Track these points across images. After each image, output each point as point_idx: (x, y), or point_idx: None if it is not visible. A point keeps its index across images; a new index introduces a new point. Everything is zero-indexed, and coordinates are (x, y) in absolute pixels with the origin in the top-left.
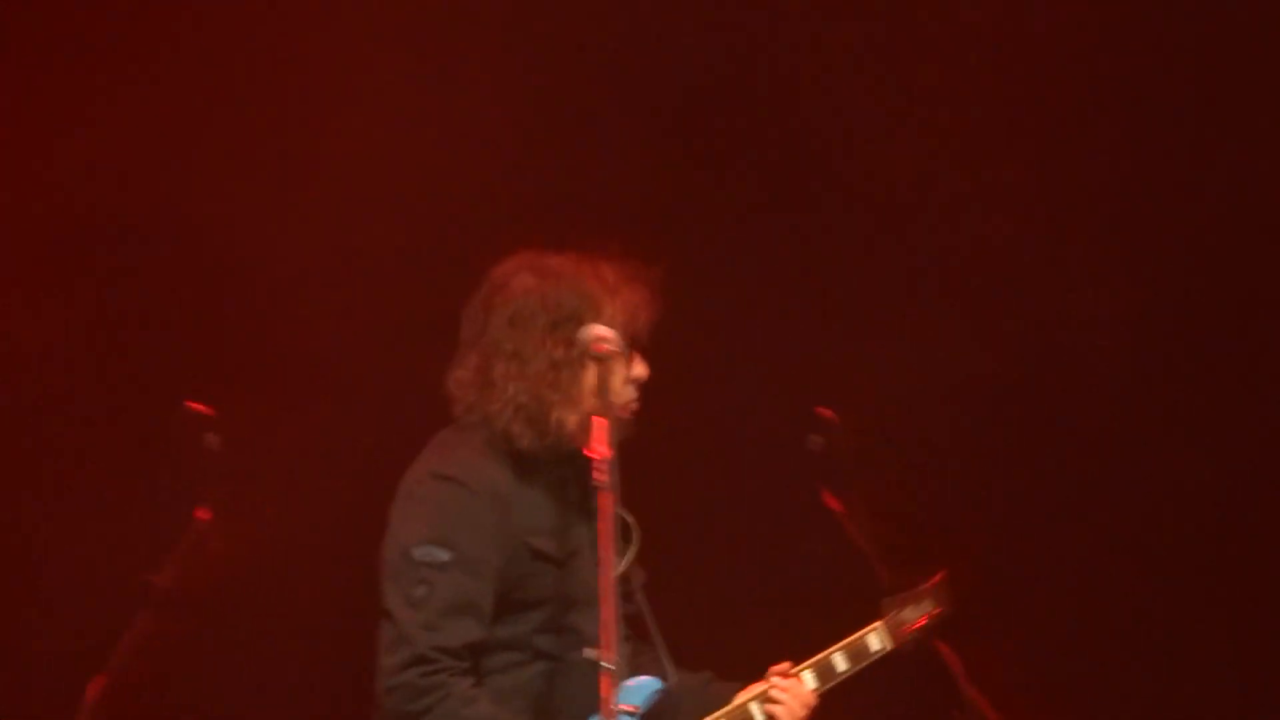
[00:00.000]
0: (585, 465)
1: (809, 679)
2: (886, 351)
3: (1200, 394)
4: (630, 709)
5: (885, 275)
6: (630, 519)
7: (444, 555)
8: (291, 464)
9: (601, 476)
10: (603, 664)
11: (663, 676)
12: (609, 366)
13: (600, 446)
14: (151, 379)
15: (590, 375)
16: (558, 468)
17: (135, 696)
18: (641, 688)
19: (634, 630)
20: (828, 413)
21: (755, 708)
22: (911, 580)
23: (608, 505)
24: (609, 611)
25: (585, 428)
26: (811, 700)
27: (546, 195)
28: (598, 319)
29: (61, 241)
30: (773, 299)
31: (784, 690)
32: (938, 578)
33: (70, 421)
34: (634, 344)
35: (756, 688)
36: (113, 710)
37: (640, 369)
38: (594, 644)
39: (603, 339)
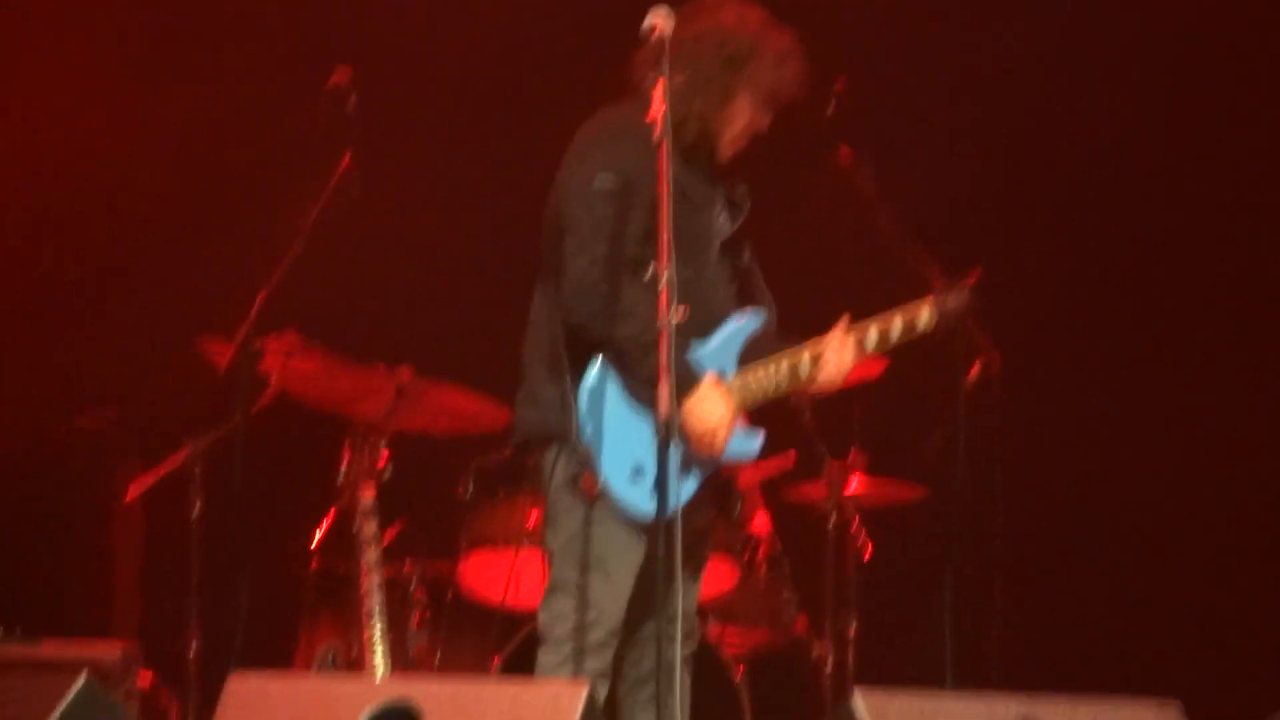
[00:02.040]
0: (714, 150)
1: (853, 344)
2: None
3: None
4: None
5: None
6: (743, 189)
7: (613, 183)
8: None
9: (657, 133)
10: (661, 278)
11: (766, 316)
12: (751, 104)
13: (659, 107)
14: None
15: (736, 108)
16: (699, 145)
17: (291, 303)
18: (751, 320)
19: (744, 283)
20: (840, 84)
21: (807, 358)
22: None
23: (664, 162)
24: (664, 235)
25: (716, 140)
26: (853, 361)
27: None
28: (759, 71)
29: None
30: None
31: (832, 348)
32: (972, 278)
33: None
34: (775, 105)
35: (814, 343)
36: (274, 313)
37: (765, 124)
38: (707, 275)
39: (658, 22)
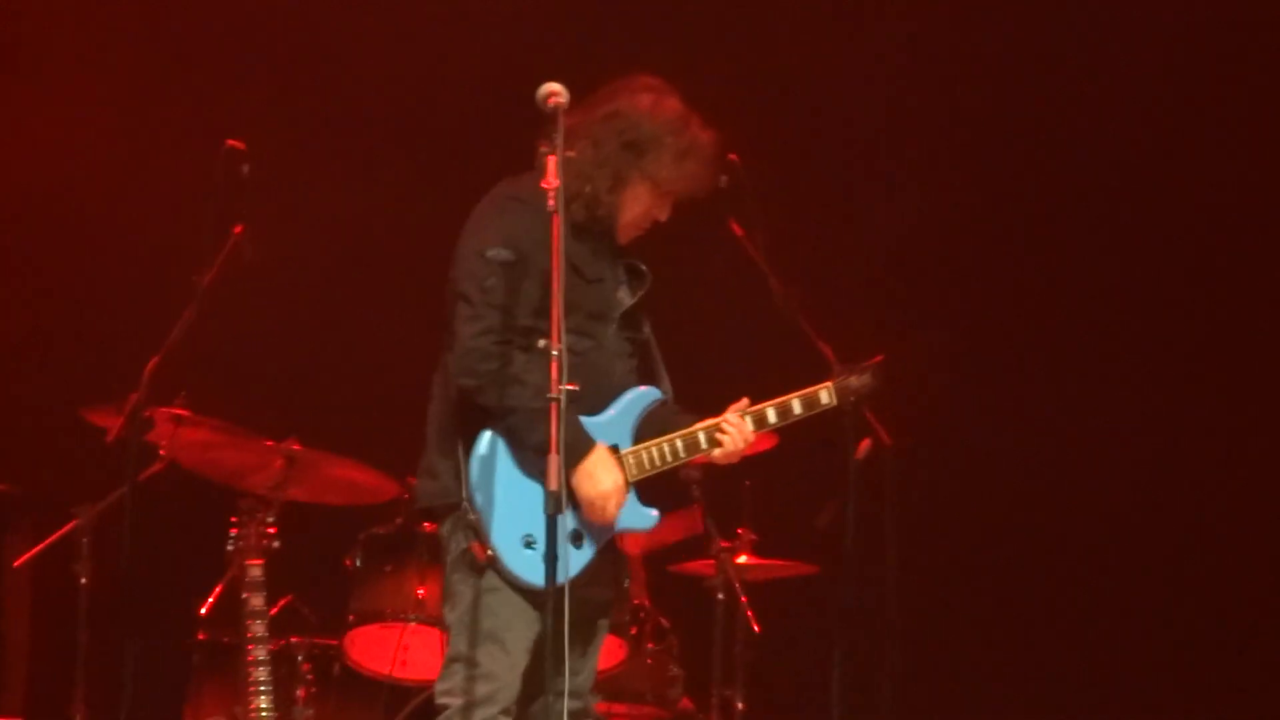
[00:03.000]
0: (611, 225)
1: (751, 421)
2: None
3: None
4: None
5: None
6: (643, 266)
7: (508, 255)
8: (311, 190)
9: (551, 203)
10: (553, 350)
11: (663, 391)
12: (649, 193)
13: (552, 179)
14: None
15: (629, 195)
16: (595, 220)
17: (182, 372)
18: (645, 394)
19: (643, 357)
20: (733, 156)
21: (703, 435)
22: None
23: (558, 227)
24: (556, 310)
25: (615, 221)
26: (752, 438)
27: None
28: (657, 163)
29: None
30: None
31: (731, 425)
32: (879, 358)
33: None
34: (677, 197)
35: (711, 420)
36: (164, 382)
37: (663, 215)
38: (605, 347)
39: (553, 92)
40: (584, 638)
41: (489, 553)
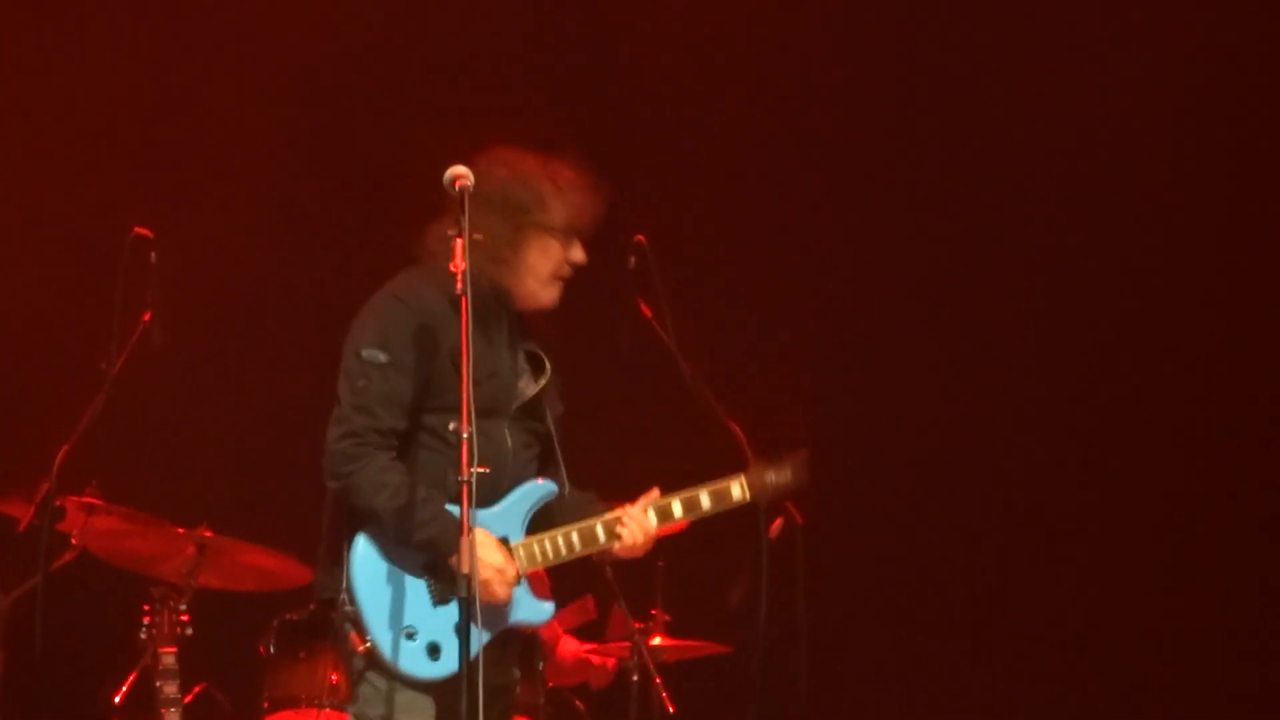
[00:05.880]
0: (515, 310)
1: (654, 515)
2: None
3: None
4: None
5: None
6: (544, 354)
7: (382, 357)
8: (221, 277)
9: (459, 286)
10: (462, 433)
11: (559, 483)
12: (552, 241)
13: (460, 262)
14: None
15: (535, 254)
16: (494, 308)
17: (92, 459)
18: (540, 487)
19: (543, 447)
20: (640, 238)
21: (601, 529)
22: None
23: (466, 312)
24: (466, 390)
25: (530, 291)
26: (653, 532)
27: None
28: (543, 211)
29: None
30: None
31: (631, 519)
32: (802, 454)
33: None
34: (579, 234)
35: (611, 515)
36: (74, 470)
37: (578, 254)
38: (497, 440)
39: (459, 175)
40: None
41: (366, 645)
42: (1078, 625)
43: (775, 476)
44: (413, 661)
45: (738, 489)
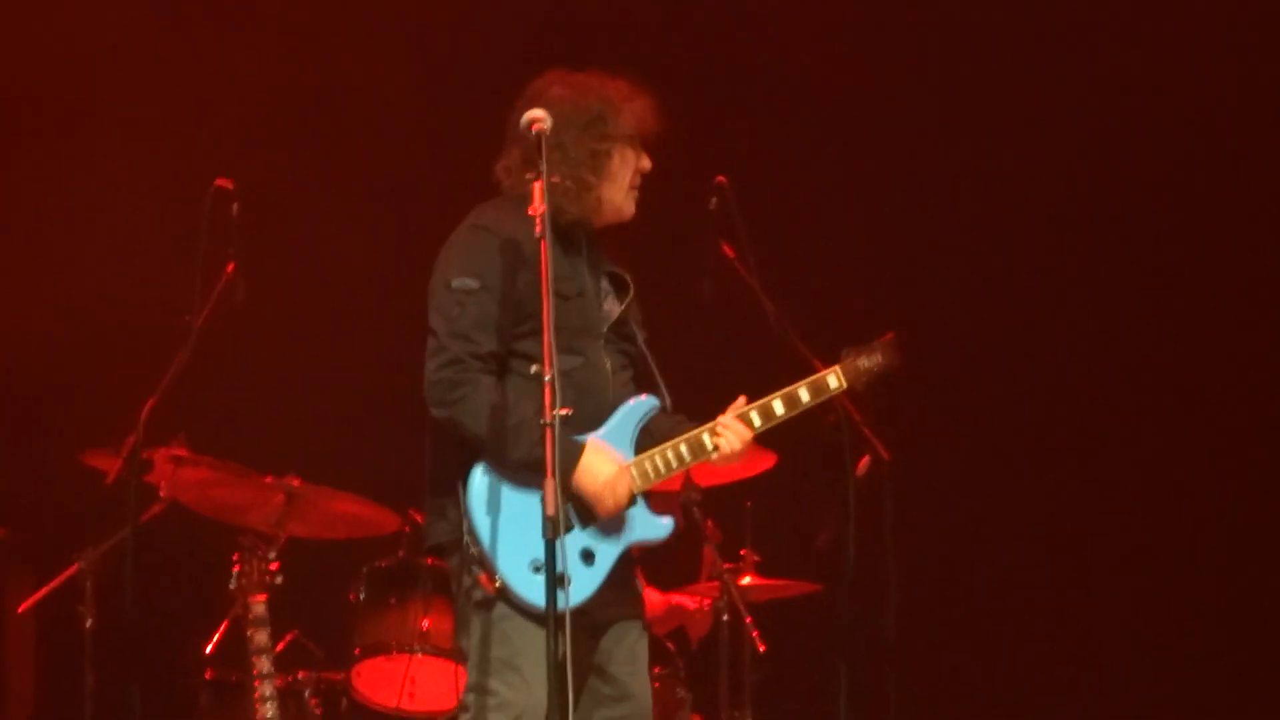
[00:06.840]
0: (593, 235)
1: (757, 417)
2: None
3: None
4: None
5: None
6: (625, 274)
7: (473, 283)
8: (303, 225)
9: (538, 229)
10: (545, 376)
11: (661, 399)
12: (628, 150)
13: (539, 206)
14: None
15: (616, 162)
16: (574, 234)
17: (179, 412)
18: (643, 404)
19: (637, 369)
20: (722, 179)
21: (707, 438)
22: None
23: (546, 257)
24: (547, 334)
25: (615, 204)
26: (749, 435)
27: None
28: (617, 119)
29: None
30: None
31: (727, 426)
32: (888, 336)
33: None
34: (644, 142)
35: (713, 424)
36: (161, 423)
37: (647, 162)
38: (594, 362)
39: (536, 119)
40: (624, 657)
41: (496, 583)
42: (1173, 581)
43: (867, 361)
44: (542, 594)
45: (834, 379)
